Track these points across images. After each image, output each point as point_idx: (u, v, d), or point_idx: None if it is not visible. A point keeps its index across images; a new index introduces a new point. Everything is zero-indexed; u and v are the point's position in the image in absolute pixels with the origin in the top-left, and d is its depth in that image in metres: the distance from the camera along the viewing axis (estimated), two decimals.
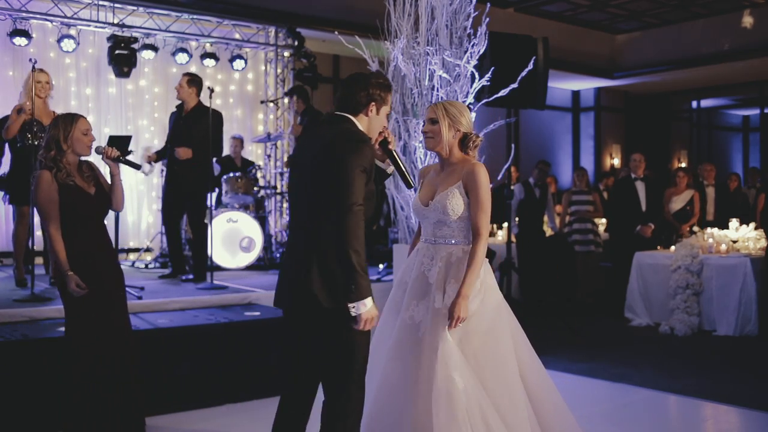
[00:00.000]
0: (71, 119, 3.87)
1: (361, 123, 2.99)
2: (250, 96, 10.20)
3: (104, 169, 4.10)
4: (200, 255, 6.77)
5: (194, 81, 6.70)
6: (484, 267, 3.17)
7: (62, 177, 3.79)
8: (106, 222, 4.10)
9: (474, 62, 5.60)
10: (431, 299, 3.14)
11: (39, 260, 6.74)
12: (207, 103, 6.44)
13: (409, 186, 3.26)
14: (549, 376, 3.33)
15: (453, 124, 3.23)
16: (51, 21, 8.25)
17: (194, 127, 6.60)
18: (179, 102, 6.80)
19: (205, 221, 6.75)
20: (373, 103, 2.99)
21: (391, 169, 3.20)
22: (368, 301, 2.81)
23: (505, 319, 3.20)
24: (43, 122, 5.69)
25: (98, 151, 3.92)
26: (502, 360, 3.11)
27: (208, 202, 6.94)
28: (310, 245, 2.89)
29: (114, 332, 3.91)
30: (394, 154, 3.15)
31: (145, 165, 7.19)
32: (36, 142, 5.85)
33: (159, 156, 6.99)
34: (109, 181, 4.00)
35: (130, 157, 4.62)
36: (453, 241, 3.20)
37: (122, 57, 8.28)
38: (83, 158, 3.94)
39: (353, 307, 2.79)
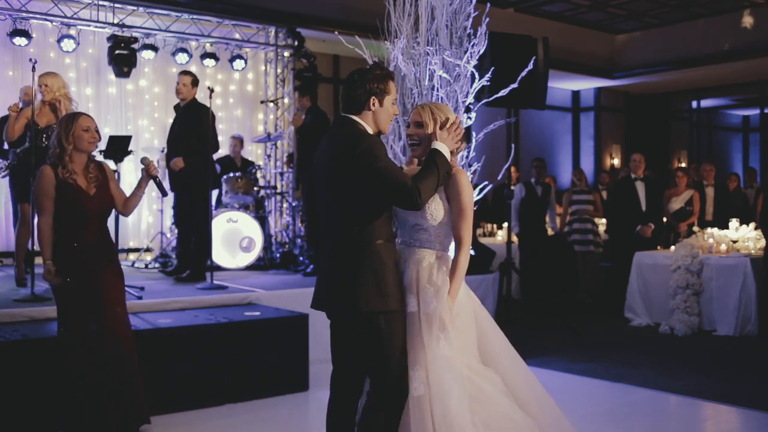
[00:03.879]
0: (73, 117, 3.96)
1: (366, 120, 3.02)
2: (250, 96, 10.20)
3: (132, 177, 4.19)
4: (197, 253, 6.78)
5: (197, 81, 6.82)
6: (463, 286, 3.11)
7: (63, 175, 3.87)
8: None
9: (474, 62, 5.60)
10: (405, 303, 3.05)
11: (39, 260, 6.73)
12: (205, 102, 6.47)
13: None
14: (530, 374, 3.25)
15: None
16: (51, 21, 8.25)
17: (189, 124, 6.66)
18: (176, 103, 6.86)
19: (208, 219, 6.76)
20: (373, 97, 3.01)
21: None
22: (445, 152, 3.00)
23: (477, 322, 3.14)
24: (41, 124, 5.81)
25: (144, 162, 4.04)
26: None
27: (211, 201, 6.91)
28: (359, 256, 2.94)
29: (107, 331, 3.92)
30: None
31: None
32: (44, 144, 5.87)
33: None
34: (120, 187, 4.12)
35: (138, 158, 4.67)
36: (428, 246, 3.10)
37: (122, 57, 8.28)
38: (101, 158, 4.03)
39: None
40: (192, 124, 6.64)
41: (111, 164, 5.13)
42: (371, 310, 2.89)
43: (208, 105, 6.39)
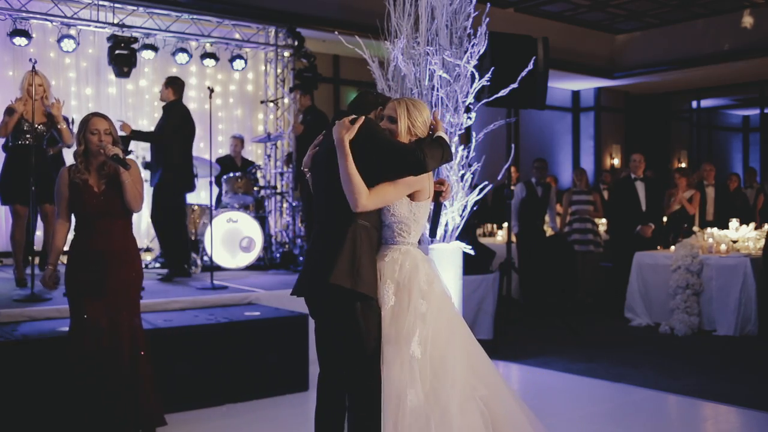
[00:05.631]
0: (86, 119, 3.98)
1: None
2: (250, 96, 10.20)
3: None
4: (169, 251, 6.91)
5: (170, 82, 6.99)
6: (431, 271, 3.07)
7: (74, 173, 3.92)
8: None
9: (474, 62, 5.59)
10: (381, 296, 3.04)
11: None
12: (204, 103, 6.54)
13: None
14: (506, 387, 3.15)
15: (412, 127, 3.08)
16: (51, 21, 8.25)
17: (160, 123, 6.93)
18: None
19: (171, 217, 6.87)
20: (380, 108, 3.23)
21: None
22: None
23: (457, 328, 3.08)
24: (36, 122, 5.85)
25: (101, 147, 3.90)
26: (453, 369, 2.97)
27: (207, 201, 6.94)
28: (339, 236, 2.99)
29: (108, 333, 3.91)
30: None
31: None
32: (27, 142, 5.87)
33: (134, 134, 7.02)
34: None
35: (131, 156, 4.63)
36: (391, 242, 3.08)
37: (122, 57, 8.28)
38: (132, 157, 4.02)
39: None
40: (161, 123, 6.90)
41: None
42: (339, 284, 2.91)
43: (207, 106, 6.41)
